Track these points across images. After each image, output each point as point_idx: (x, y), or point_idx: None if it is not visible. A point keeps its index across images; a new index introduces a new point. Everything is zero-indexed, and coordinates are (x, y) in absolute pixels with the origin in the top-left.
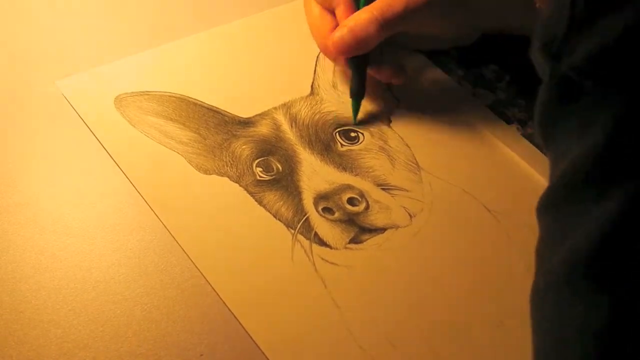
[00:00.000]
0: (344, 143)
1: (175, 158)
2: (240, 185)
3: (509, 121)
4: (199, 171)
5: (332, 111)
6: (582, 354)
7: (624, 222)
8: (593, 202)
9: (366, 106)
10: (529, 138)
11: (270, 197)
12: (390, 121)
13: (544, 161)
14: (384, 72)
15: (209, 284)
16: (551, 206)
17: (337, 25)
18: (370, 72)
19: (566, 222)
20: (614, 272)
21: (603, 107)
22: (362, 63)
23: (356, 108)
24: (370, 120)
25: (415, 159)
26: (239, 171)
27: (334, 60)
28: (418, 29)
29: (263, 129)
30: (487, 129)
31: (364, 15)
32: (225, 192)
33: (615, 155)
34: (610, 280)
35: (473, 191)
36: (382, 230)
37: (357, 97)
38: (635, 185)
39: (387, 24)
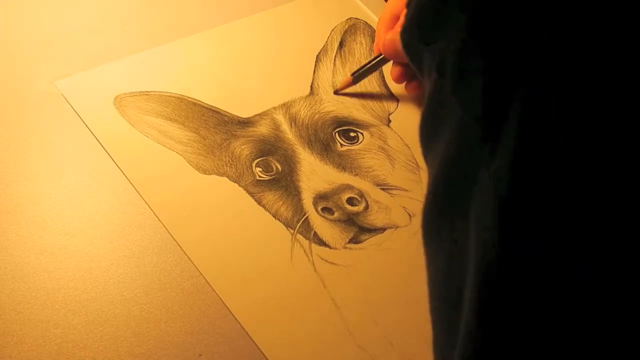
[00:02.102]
0: (343, 143)
1: (174, 158)
2: (240, 185)
3: None
4: (199, 171)
5: (332, 111)
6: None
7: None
8: None
9: (366, 106)
10: None
11: (270, 197)
12: (390, 121)
13: None
14: (393, 75)
15: (208, 284)
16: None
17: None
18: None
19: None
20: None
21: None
22: (384, 62)
23: (345, 85)
24: (370, 119)
25: (415, 159)
26: (239, 171)
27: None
28: None
29: (262, 128)
30: None
31: (391, 34)
32: (225, 192)
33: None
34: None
35: None
36: (382, 230)
37: (356, 80)
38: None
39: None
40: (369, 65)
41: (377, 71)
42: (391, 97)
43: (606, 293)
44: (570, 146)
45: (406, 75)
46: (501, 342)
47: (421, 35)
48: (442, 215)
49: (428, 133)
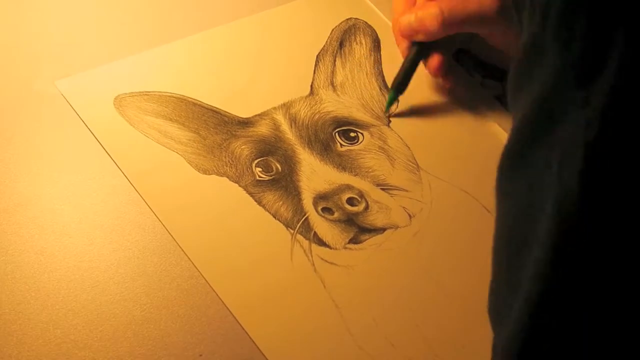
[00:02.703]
0: (343, 143)
1: (174, 158)
2: (240, 185)
3: None
4: (199, 171)
5: (332, 111)
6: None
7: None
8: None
9: (366, 105)
10: None
11: (270, 197)
12: (390, 121)
13: None
14: (433, 66)
15: (208, 284)
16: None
17: (414, 2)
18: (429, 64)
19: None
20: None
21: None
22: (419, 56)
23: (392, 99)
24: (370, 119)
25: (415, 159)
26: (239, 171)
27: (397, 42)
28: (487, 38)
29: (262, 129)
30: (494, 121)
31: (433, 8)
32: (225, 192)
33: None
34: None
35: (473, 191)
36: (382, 230)
37: (397, 89)
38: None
39: (450, 22)
40: (405, 68)
41: (377, 71)
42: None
43: None
44: None
45: (443, 67)
46: (573, 283)
47: None
48: (524, 154)
49: (523, 72)
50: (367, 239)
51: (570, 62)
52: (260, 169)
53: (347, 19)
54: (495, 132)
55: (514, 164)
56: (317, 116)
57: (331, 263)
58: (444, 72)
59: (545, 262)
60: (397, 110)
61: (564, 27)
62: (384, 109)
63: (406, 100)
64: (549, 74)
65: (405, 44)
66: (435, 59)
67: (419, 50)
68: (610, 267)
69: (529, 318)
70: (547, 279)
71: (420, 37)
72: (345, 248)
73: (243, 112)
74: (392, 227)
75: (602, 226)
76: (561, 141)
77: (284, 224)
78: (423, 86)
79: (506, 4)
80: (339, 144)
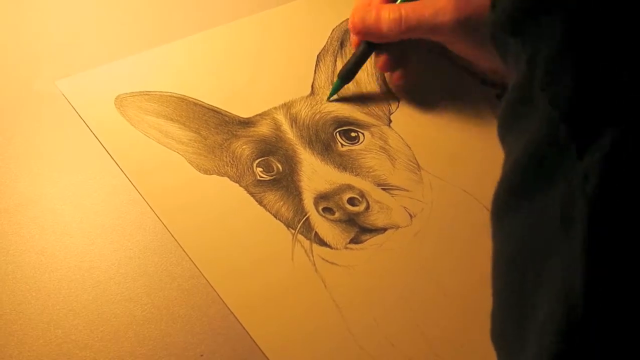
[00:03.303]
0: (344, 143)
1: (175, 158)
2: (241, 185)
3: None
4: (199, 171)
5: (333, 111)
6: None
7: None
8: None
9: (367, 105)
10: None
11: (271, 197)
12: (390, 121)
13: None
14: (379, 63)
15: (209, 284)
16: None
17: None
18: (376, 61)
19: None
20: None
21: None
22: (368, 52)
23: (336, 88)
24: (370, 119)
25: (416, 159)
26: (239, 171)
27: (352, 34)
28: (447, 45)
29: (263, 129)
30: (495, 119)
31: (392, 13)
32: (226, 192)
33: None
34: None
35: (473, 191)
36: (383, 230)
37: (343, 79)
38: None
39: (406, 27)
40: (353, 60)
41: (378, 71)
42: (392, 97)
43: None
44: None
45: (391, 62)
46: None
47: (513, 22)
48: (516, 199)
49: (512, 116)
50: (368, 239)
51: (562, 117)
52: (261, 169)
53: (348, 19)
54: (491, 141)
55: (509, 205)
56: (317, 116)
57: (332, 263)
58: (391, 68)
59: (551, 347)
60: (398, 110)
61: (551, 77)
62: (384, 109)
63: (407, 100)
64: (539, 125)
65: (355, 39)
66: (381, 59)
67: (367, 48)
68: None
69: None
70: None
71: (371, 38)
72: (346, 248)
73: (244, 112)
74: (393, 227)
75: (613, 281)
76: (559, 193)
77: (284, 224)
78: (423, 86)
79: (468, 19)
80: (339, 144)
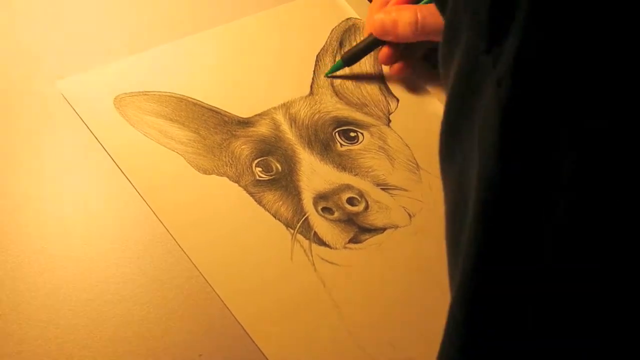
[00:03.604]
0: (343, 143)
1: (174, 158)
2: (240, 185)
3: None
4: (199, 171)
5: (332, 111)
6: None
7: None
8: None
9: (366, 105)
10: None
11: (270, 197)
12: (389, 121)
13: None
14: (382, 56)
15: (208, 284)
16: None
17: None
18: (379, 54)
19: None
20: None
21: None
22: (377, 44)
23: (336, 68)
24: (369, 119)
25: (415, 159)
26: (239, 171)
27: (365, 31)
28: None
29: (262, 128)
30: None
31: (408, 13)
32: (225, 192)
33: None
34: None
35: None
36: (382, 230)
37: (346, 61)
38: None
39: (423, 31)
40: (360, 47)
41: (377, 71)
42: (391, 96)
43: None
44: (572, 50)
45: (393, 56)
46: (499, 259)
47: None
48: (453, 135)
49: (444, 59)
50: (367, 239)
51: (479, 29)
52: (260, 169)
53: (347, 19)
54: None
55: (447, 151)
56: (317, 116)
57: (331, 263)
58: (392, 61)
59: (473, 238)
60: (397, 110)
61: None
62: (383, 109)
63: (406, 100)
64: (463, 46)
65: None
66: (383, 51)
67: (375, 41)
68: (532, 230)
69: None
70: (480, 243)
71: (389, 38)
72: (345, 248)
73: (243, 112)
74: (392, 227)
75: (523, 189)
76: (480, 108)
77: (284, 223)
78: (423, 86)
79: None
80: (339, 143)
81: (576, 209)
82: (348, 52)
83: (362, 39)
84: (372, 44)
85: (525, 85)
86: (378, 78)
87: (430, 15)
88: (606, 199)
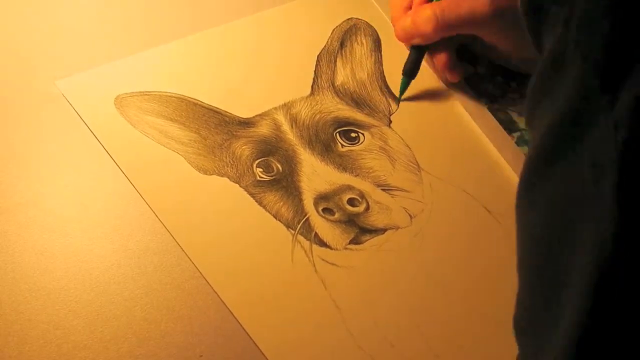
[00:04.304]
0: (344, 143)
1: (175, 158)
2: (241, 186)
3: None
4: (199, 171)
5: (333, 111)
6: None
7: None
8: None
9: (367, 106)
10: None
11: (271, 197)
12: (390, 122)
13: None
14: (441, 64)
15: (209, 284)
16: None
17: (410, 6)
18: (428, 60)
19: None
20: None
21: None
22: (420, 56)
23: (404, 86)
24: (370, 120)
25: (416, 160)
26: (239, 171)
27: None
28: (483, 37)
29: (263, 129)
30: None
31: (426, 12)
32: (225, 192)
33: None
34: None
35: (473, 192)
36: (383, 231)
37: (408, 75)
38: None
39: (445, 25)
40: (410, 60)
41: (378, 71)
42: (392, 97)
43: None
44: None
45: (450, 61)
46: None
47: None
48: (548, 165)
49: (543, 86)
50: (367, 240)
51: (595, 68)
52: (261, 170)
53: (348, 19)
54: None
55: (541, 173)
56: (318, 116)
57: (332, 264)
58: (450, 68)
59: (584, 307)
60: (398, 111)
61: (585, 34)
62: (384, 110)
63: (406, 100)
64: (572, 83)
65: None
66: (441, 58)
67: (418, 52)
68: None
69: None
70: (587, 326)
71: (417, 41)
72: (346, 249)
73: (244, 112)
74: (392, 228)
75: None
76: (591, 146)
77: (284, 224)
78: (424, 87)
79: (505, 10)
80: (339, 144)
81: None
82: (405, 68)
83: (362, 39)
84: (418, 57)
85: None
86: (379, 78)
87: (449, 8)
88: None
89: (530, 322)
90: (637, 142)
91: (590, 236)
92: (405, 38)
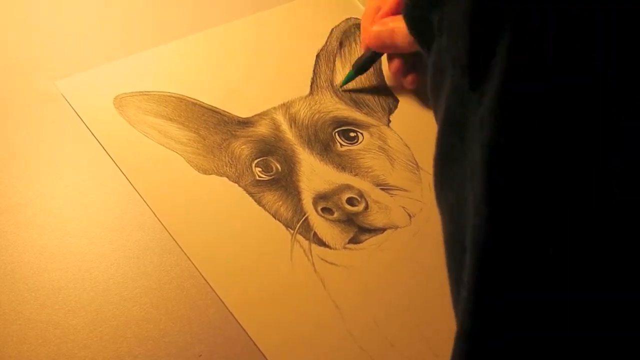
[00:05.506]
0: (343, 143)
1: (174, 158)
2: (240, 185)
3: None
4: (198, 171)
5: (332, 111)
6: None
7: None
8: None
9: (366, 105)
10: None
11: (270, 197)
12: (389, 121)
13: None
14: (394, 69)
15: (208, 284)
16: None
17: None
18: (390, 65)
19: None
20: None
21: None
22: (378, 56)
23: (350, 78)
24: (369, 120)
25: (415, 159)
26: (238, 171)
27: (362, 45)
28: None
29: (262, 129)
30: None
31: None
32: (225, 192)
33: None
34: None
35: None
36: (382, 230)
37: (357, 70)
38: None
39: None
40: (363, 60)
41: (377, 71)
42: (391, 97)
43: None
44: (552, 90)
45: (404, 67)
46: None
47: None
48: (446, 166)
49: (433, 95)
50: (367, 239)
51: (463, 68)
52: (260, 169)
53: (347, 19)
54: None
55: (439, 185)
56: (317, 116)
57: (331, 263)
58: (403, 74)
59: (469, 300)
60: (397, 110)
61: (451, 38)
62: (383, 110)
63: (406, 100)
64: (449, 85)
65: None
66: (394, 63)
67: (375, 55)
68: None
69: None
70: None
71: (387, 51)
72: (345, 248)
73: (243, 112)
74: (392, 227)
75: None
76: (469, 151)
77: (283, 224)
78: (423, 86)
79: None
80: (338, 144)
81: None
82: (357, 63)
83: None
84: (373, 57)
85: (507, 130)
86: (378, 78)
87: None
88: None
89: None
90: (500, 140)
91: (472, 237)
92: (379, 46)
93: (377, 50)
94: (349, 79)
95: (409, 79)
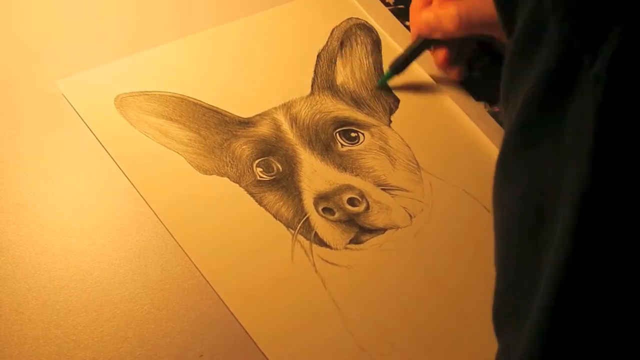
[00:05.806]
0: (344, 143)
1: (175, 158)
2: (241, 186)
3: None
4: (199, 171)
5: (332, 111)
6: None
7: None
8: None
9: (367, 106)
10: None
11: (271, 197)
12: (390, 121)
13: None
14: (439, 60)
15: (209, 284)
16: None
17: (430, 1)
18: (436, 57)
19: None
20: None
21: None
22: (424, 47)
23: (387, 77)
24: (370, 120)
25: (416, 159)
26: (239, 171)
27: (412, 35)
28: (502, 39)
29: (263, 129)
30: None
31: (451, 11)
32: (226, 192)
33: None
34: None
35: (473, 191)
36: (382, 230)
37: (394, 70)
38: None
39: (468, 25)
40: (408, 52)
41: (378, 71)
42: (392, 97)
43: None
44: None
45: (450, 59)
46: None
47: None
48: (532, 130)
49: (519, 59)
50: (367, 239)
51: (574, 29)
52: (261, 169)
53: (348, 19)
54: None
55: (522, 142)
56: (317, 116)
57: (332, 263)
58: (449, 65)
59: (563, 264)
60: (398, 111)
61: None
62: (384, 110)
63: (406, 100)
64: (551, 50)
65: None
66: (440, 53)
67: (424, 42)
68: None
69: (548, 322)
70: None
71: (436, 35)
72: (346, 248)
73: (244, 112)
74: (392, 228)
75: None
76: (573, 108)
77: (284, 224)
78: (424, 87)
79: None
80: (339, 144)
81: None
82: (397, 60)
83: (362, 39)
84: (419, 47)
85: (623, 80)
86: (379, 78)
87: (474, 9)
88: None
89: (510, 309)
90: (616, 92)
91: (567, 201)
92: (426, 31)
93: (426, 35)
94: (386, 78)
95: (455, 70)
